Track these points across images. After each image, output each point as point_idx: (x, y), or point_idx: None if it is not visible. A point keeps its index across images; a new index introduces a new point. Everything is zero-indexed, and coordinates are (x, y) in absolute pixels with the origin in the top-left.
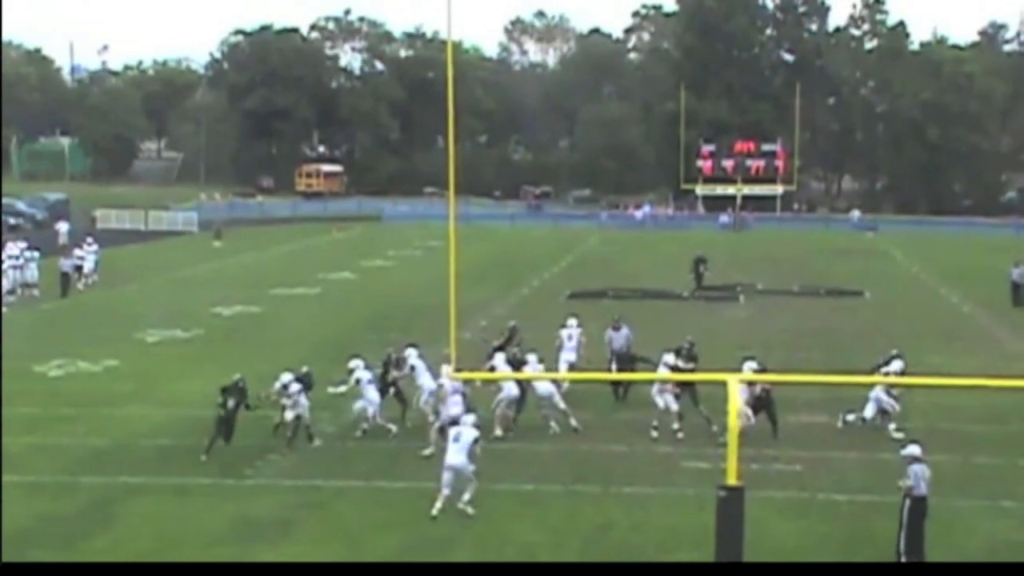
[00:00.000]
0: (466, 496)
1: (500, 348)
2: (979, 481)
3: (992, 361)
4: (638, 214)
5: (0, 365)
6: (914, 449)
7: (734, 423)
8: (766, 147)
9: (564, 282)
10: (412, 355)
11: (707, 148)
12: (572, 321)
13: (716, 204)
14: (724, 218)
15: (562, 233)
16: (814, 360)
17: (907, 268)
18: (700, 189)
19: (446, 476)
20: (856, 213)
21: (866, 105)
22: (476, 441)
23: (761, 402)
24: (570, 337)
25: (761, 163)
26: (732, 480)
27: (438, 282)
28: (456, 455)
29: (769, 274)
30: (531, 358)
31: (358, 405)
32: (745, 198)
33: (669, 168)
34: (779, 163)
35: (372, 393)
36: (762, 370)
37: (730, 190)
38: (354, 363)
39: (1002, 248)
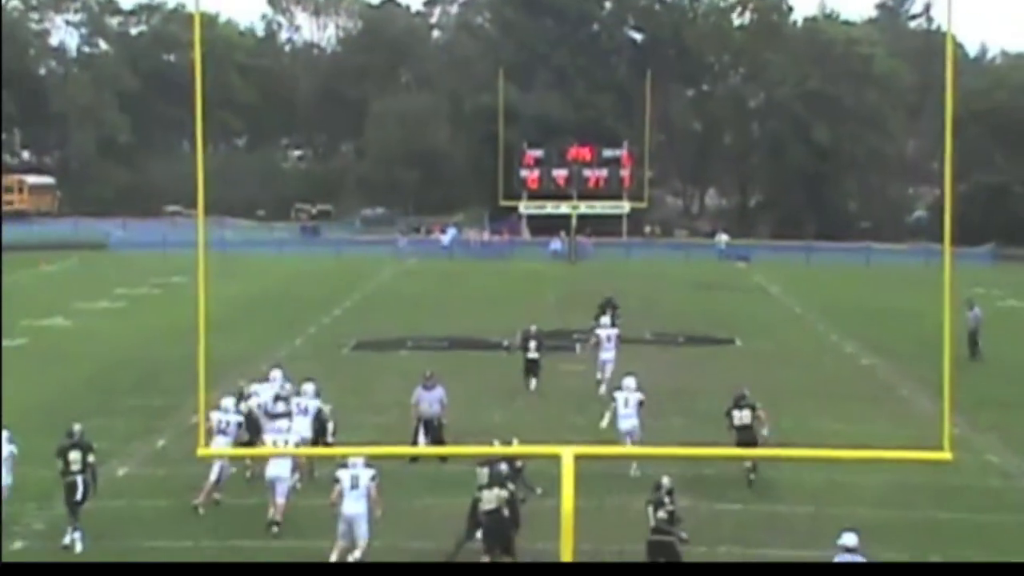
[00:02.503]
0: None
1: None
2: None
3: (897, 428)
4: (444, 239)
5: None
6: (849, 539)
7: (569, 506)
8: (608, 152)
9: (349, 328)
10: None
11: (533, 154)
12: (605, 320)
13: (545, 226)
14: (555, 244)
15: (347, 264)
16: (673, 428)
17: (789, 308)
18: (524, 207)
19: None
20: (723, 237)
21: (736, 98)
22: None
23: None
24: (608, 338)
25: (602, 173)
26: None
27: (183, 330)
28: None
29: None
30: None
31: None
32: (582, 219)
33: (485, 180)
34: (625, 173)
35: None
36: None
37: (563, 208)
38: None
39: (909, 281)
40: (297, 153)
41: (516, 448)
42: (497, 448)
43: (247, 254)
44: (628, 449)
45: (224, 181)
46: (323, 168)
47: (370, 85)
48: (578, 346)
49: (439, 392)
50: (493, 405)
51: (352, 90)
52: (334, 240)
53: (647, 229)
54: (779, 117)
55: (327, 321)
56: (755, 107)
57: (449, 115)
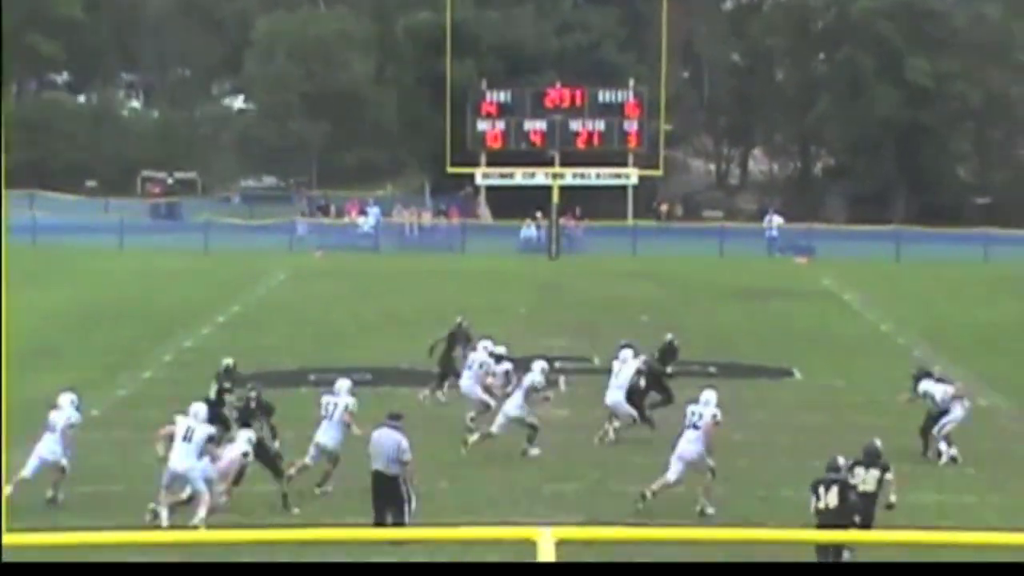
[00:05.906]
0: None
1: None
2: None
3: None
4: (365, 223)
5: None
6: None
7: None
8: (607, 96)
9: (224, 354)
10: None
11: (495, 98)
12: (627, 352)
13: (514, 204)
14: (529, 231)
15: (220, 260)
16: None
17: (871, 324)
18: (483, 176)
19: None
20: (776, 220)
21: (794, 13)
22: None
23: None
24: (617, 374)
25: (598, 127)
26: None
27: None
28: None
29: (612, 336)
30: None
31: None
32: (569, 193)
33: (424, 136)
34: (631, 127)
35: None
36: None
37: (540, 178)
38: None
39: None
40: (143, 95)
41: (475, 531)
42: (453, 531)
43: (70, 245)
44: (638, 532)
45: (35, 137)
46: (183, 118)
47: None
48: (562, 380)
49: (395, 438)
50: (434, 465)
51: (226, 2)
52: (200, 224)
53: (663, 209)
54: (857, 42)
55: (190, 344)
56: (823, 28)
57: (372, 40)
